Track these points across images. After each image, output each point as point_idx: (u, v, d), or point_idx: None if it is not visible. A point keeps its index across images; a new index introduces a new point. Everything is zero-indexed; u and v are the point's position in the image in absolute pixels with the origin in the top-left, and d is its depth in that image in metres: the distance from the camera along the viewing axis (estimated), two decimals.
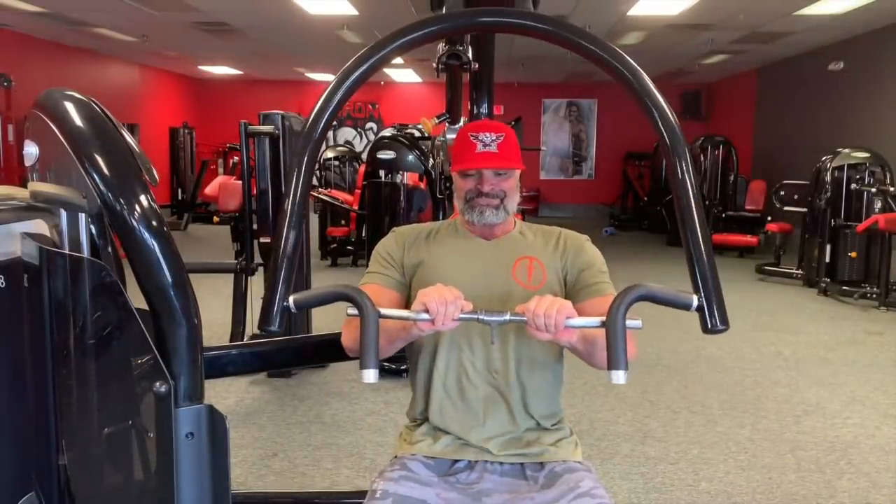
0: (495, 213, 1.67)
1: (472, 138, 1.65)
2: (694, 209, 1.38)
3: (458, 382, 1.64)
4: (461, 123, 3.16)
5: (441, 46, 3.08)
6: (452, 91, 3.09)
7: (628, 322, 1.30)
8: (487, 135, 1.65)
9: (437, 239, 1.75)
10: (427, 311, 1.39)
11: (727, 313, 1.35)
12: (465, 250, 1.71)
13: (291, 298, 1.37)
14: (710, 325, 1.34)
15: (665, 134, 1.40)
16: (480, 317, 1.40)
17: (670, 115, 1.40)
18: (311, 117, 1.44)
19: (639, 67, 1.42)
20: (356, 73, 1.44)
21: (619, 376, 1.29)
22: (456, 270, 1.65)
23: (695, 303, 1.34)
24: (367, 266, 1.77)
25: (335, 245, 8.57)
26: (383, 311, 1.37)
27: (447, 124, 3.32)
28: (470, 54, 3.00)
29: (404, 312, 1.44)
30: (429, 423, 1.68)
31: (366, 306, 1.33)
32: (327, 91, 1.44)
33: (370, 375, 1.32)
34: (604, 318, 1.32)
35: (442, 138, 3.46)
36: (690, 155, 1.43)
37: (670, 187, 1.44)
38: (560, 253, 1.71)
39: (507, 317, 1.41)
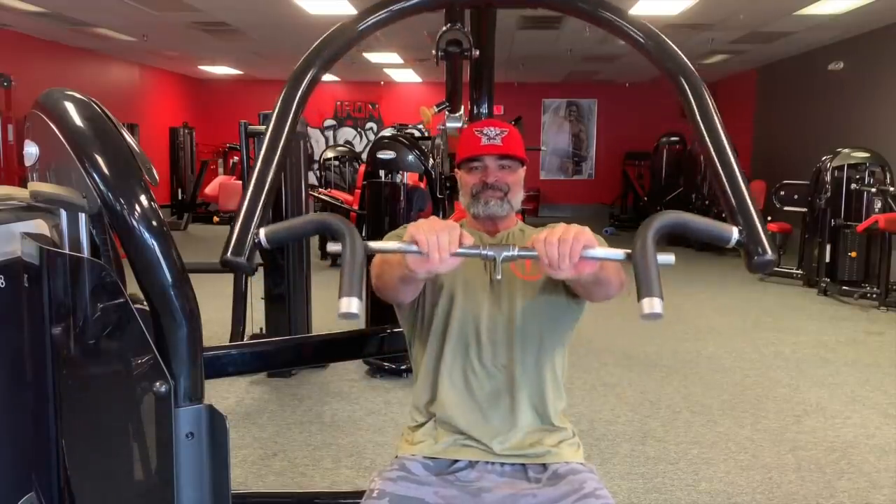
0: (500, 204, 1.68)
1: (476, 133, 1.69)
2: (724, 140, 1.35)
3: (463, 375, 1.65)
4: (461, 112, 3.15)
5: (442, 31, 3.03)
6: (452, 79, 3.07)
7: (659, 257, 1.13)
8: (492, 129, 1.68)
9: None
10: (417, 243, 1.22)
11: (769, 246, 1.23)
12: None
13: (262, 231, 1.27)
14: (754, 259, 1.22)
15: (683, 75, 1.38)
16: (483, 251, 1.24)
17: (686, 62, 1.38)
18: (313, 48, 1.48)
19: (645, 21, 1.42)
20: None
21: (653, 304, 1.08)
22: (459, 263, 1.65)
23: (735, 235, 1.23)
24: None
25: None
26: (371, 243, 1.23)
27: (447, 112, 3.29)
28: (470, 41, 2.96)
29: (393, 244, 1.27)
30: (431, 423, 1.68)
31: (349, 233, 1.20)
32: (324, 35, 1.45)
33: (350, 304, 1.13)
34: (629, 250, 1.17)
35: (442, 127, 3.44)
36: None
37: (693, 126, 1.41)
38: None
39: (515, 251, 1.24)
